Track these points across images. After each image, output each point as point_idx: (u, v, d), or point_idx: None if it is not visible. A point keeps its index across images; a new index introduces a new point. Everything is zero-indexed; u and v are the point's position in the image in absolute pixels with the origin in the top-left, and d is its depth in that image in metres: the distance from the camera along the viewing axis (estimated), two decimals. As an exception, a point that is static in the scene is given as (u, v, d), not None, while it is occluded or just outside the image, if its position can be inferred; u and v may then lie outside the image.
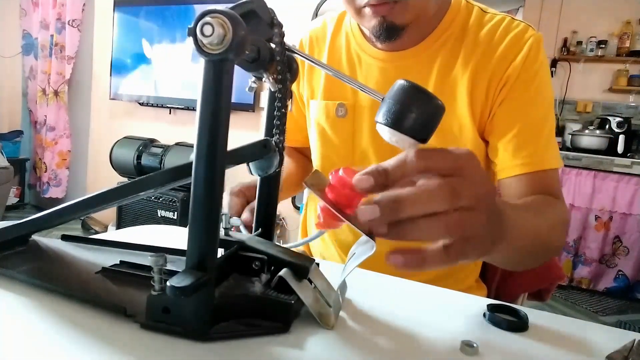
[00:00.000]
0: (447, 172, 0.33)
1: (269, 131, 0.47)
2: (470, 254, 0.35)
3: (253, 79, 0.46)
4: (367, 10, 0.64)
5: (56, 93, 3.56)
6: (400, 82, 0.38)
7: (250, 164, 0.45)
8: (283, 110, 0.45)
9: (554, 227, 0.62)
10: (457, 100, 0.70)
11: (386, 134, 0.39)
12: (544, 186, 0.69)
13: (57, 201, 3.51)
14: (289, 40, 0.45)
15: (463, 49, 0.70)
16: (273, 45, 0.43)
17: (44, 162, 3.60)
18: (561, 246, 0.63)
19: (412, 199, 0.32)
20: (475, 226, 0.34)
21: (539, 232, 0.56)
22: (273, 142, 0.44)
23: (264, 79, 0.45)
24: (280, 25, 0.43)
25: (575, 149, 3.06)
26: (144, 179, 0.39)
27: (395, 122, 0.37)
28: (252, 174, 0.46)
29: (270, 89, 0.47)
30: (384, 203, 0.32)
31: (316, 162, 0.84)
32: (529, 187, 0.69)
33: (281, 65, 0.43)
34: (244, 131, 1.69)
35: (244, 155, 0.42)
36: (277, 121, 0.45)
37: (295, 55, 0.45)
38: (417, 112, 0.37)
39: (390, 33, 0.65)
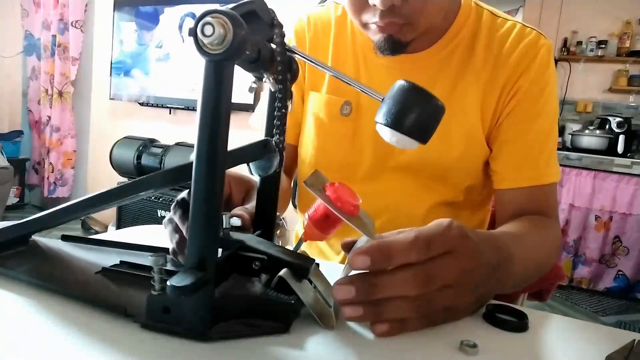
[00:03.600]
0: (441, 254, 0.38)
1: (269, 131, 0.47)
2: (451, 319, 0.42)
3: (253, 79, 0.46)
4: (373, 26, 0.62)
5: (60, 94, 3.56)
6: (401, 82, 0.38)
7: (251, 164, 0.45)
8: (283, 110, 0.45)
9: (549, 254, 0.65)
10: (467, 109, 0.70)
11: (387, 134, 0.39)
12: (541, 201, 0.69)
13: (59, 201, 3.51)
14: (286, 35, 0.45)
15: (475, 56, 0.70)
16: (274, 46, 0.43)
17: (51, 163, 3.59)
18: (552, 265, 0.66)
19: (387, 284, 0.37)
20: (453, 301, 0.40)
21: (537, 264, 0.60)
22: (273, 142, 0.44)
23: (264, 79, 0.45)
24: (280, 26, 0.43)
25: (575, 149, 3.07)
26: (144, 180, 0.39)
27: (395, 123, 0.37)
28: (252, 174, 0.46)
29: (270, 89, 0.47)
30: (360, 285, 0.37)
31: (309, 155, 0.81)
32: (527, 200, 0.69)
33: (281, 65, 0.43)
34: (244, 131, 1.68)
35: (244, 155, 0.42)
36: (277, 121, 0.45)
37: (296, 55, 0.45)
38: (416, 113, 0.37)
39: (394, 49, 0.64)
